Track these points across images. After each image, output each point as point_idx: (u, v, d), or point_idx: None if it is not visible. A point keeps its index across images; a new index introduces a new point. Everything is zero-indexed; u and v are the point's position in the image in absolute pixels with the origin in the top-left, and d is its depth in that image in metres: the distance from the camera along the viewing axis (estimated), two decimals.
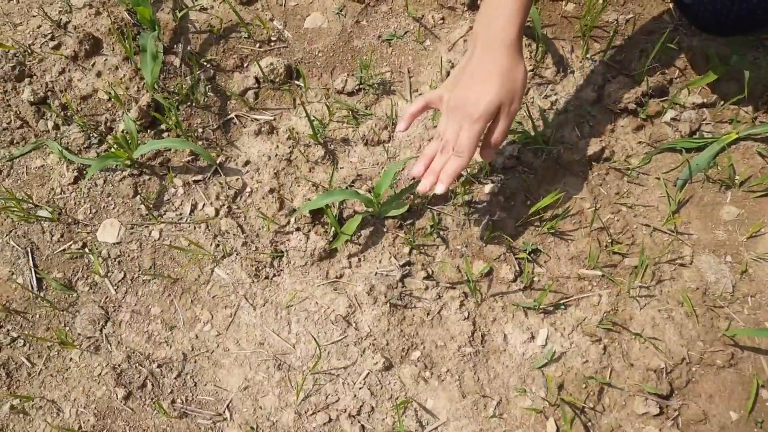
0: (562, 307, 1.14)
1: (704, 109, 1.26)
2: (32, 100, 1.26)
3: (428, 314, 1.14)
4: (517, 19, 0.97)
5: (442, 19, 1.36)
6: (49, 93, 1.28)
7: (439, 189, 0.99)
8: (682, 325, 1.11)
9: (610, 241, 1.18)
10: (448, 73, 1.30)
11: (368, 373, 1.10)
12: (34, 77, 1.29)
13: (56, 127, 1.26)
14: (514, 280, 1.16)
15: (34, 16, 1.34)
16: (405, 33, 1.35)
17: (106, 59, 1.31)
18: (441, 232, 1.19)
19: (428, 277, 1.16)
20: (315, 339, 1.09)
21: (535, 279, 1.16)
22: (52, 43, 1.31)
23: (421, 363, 1.11)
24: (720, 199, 1.21)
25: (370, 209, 1.18)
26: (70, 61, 1.30)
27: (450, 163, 0.99)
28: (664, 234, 1.18)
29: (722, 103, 1.25)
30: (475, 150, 0.99)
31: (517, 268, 1.16)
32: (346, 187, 1.23)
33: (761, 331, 1.06)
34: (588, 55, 1.31)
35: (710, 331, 1.10)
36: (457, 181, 1.23)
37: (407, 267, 1.17)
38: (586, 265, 1.16)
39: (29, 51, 1.30)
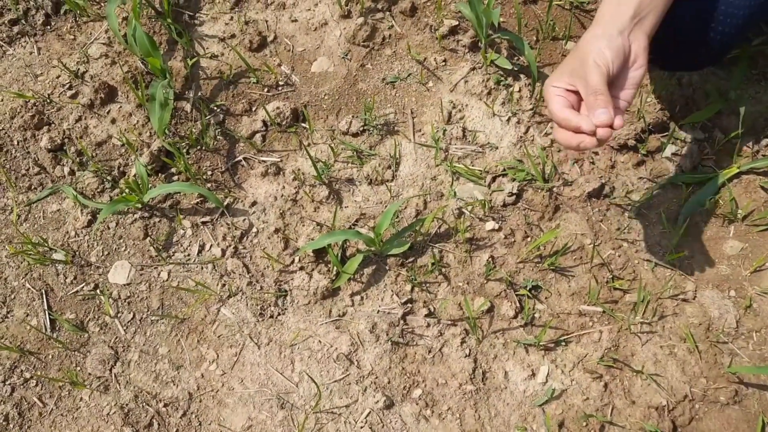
0: (563, 343, 1.14)
1: (705, 143, 1.27)
2: (50, 147, 1.31)
3: (430, 352, 1.15)
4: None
5: (444, 61, 1.39)
6: (66, 140, 1.33)
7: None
8: (685, 361, 1.10)
9: (611, 276, 1.18)
10: (449, 114, 1.33)
11: (369, 412, 1.11)
12: (52, 125, 1.35)
13: (72, 172, 1.31)
14: (515, 317, 1.16)
15: (53, 67, 1.41)
16: (408, 75, 1.39)
17: (120, 106, 1.36)
18: (443, 269, 1.21)
19: (430, 314, 1.17)
20: (314, 380, 1.10)
21: (536, 315, 1.17)
22: (69, 92, 1.37)
23: (422, 401, 1.11)
24: (723, 234, 1.21)
25: (372, 248, 1.20)
26: (86, 109, 1.36)
27: None
28: (667, 269, 1.18)
29: (723, 137, 1.26)
30: (551, 113, 0.92)
31: (518, 305, 1.17)
32: (350, 227, 1.25)
33: (765, 369, 1.05)
34: None
35: (714, 368, 1.10)
36: (458, 218, 1.25)
37: (409, 304, 1.18)
38: (586, 301, 1.17)
39: (48, 100, 1.37)
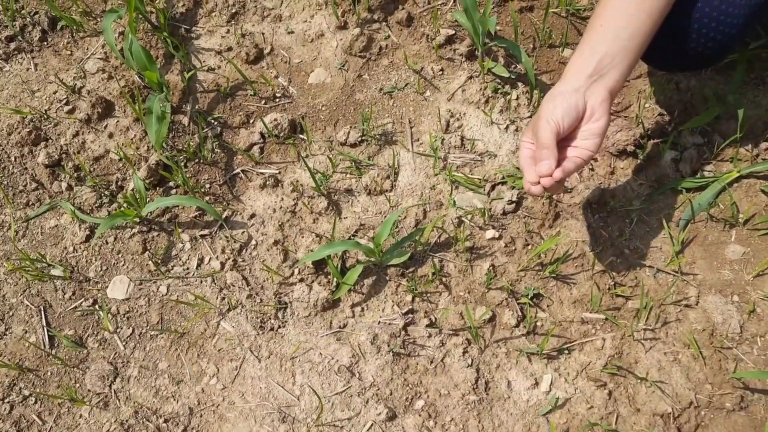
0: (566, 351, 1.13)
1: (704, 148, 1.26)
2: (47, 163, 1.31)
3: (432, 362, 1.14)
4: (578, 48, 1.01)
5: (441, 70, 1.39)
6: (63, 155, 1.33)
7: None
8: (689, 367, 1.09)
9: (612, 283, 1.17)
10: (447, 123, 1.33)
11: (372, 425, 1.10)
12: (50, 141, 1.35)
13: (70, 187, 1.31)
14: (517, 326, 1.15)
15: (50, 83, 1.41)
16: (406, 85, 1.39)
17: (117, 121, 1.36)
18: (443, 279, 1.20)
19: (431, 324, 1.16)
20: (316, 393, 1.09)
21: (538, 324, 1.16)
22: (66, 108, 1.37)
23: (425, 412, 1.10)
24: (724, 238, 1.20)
25: (372, 258, 1.19)
26: (83, 124, 1.36)
27: None
28: (669, 275, 1.18)
29: (722, 141, 1.25)
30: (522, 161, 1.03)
31: (520, 314, 1.16)
32: (350, 237, 1.25)
33: None
34: None
35: (718, 374, 1.08)
36: (458, 227, 1.24)
37: (410, 315, 1.17)
38: (589, 308, 1.16)
39: (45, 116, 1.37)
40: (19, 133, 1.33)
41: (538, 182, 0.98)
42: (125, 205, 1.26)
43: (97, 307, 1.22)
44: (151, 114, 1.25)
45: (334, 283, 1.20)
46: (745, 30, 1.06)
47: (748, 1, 1.02)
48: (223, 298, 1.21)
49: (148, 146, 1.33)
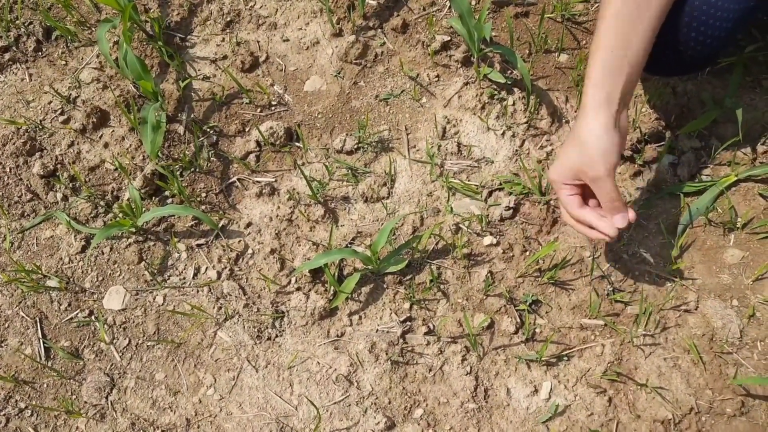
0: (565, 358, 1.12)
1: (702, 152, 1.26)
2: (42, 173, 1.31)
3: (430, 370, 1.13)
4: (592, 70, 0.98)
5: (437, 76, 1.39)
6: (58, 166, 1.33)
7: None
8: (689, 373, 1.09)
9: (611, 289, 1.17)
10: (444, 129, 1.33)
11: None
12: (45, 151, 1.34)
13: (65, 198, 1.30)
14: (516, 333, 1.15)
15: (45, 93, 1.41)
16: (402, 92, 1.38)
17: (113, 131, 1.35)
18: (441, 286, 1.19)
19: (429, 332, 1.16)
20: (313, 403, 1.08)
21: (537, 330, 1.15)
22: (61, 118, 1.37)
23: (423, 421, 1.09)
24: (723, 243, 1.19)
25: (369, 266, 1.18)
26: (78, 134, 1.35)
27: None
28: (668, 280, 1.17)
29: (720, 145, 1.25)
30: (569, 218, 1.05)
31: (518, 320, 1.16)
32: (347, 245, 1.24)
33: None
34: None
35: (719, 379, 1.08)
36: (455, 234, 1.24)
37: (408, 323, 1.17)
38: (587, 314, 1.15)
39: (40, 126, 1.36)
40: (14, 143, 1.33)
41: (612, 237, 1.00)
42: (121, 215, 1.25)
43: (93, 318, 1.22)
44: (146, 123, 1.24)
45: (332, 292, 1.19)
46: (734, 34, 1.06)
47: (737, 6, 1.02)
48: (220, 308, 1.21)
49: (143, 156, 1.33)
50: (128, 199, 1.28)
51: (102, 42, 1.30)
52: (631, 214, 0.99)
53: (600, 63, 0.97)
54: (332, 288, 1.19)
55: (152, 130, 1.24)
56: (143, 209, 1.25)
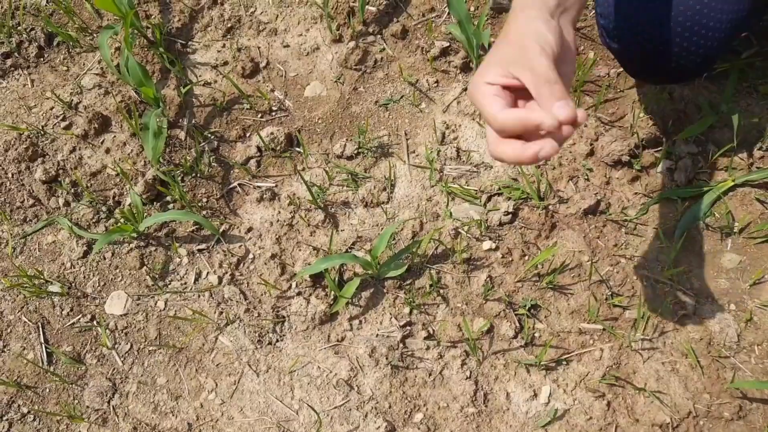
0: (564, 362, 1.13)
1: (699, 157, 1.27)
2: (44, 179, 1.31)
3: (430, 375, 1.14)
4: None
5: (436, 82, 1.40)
6: (60, 171, 1.33)
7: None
8: (687, 377, 1.10)
9: (610, 293, 1.18)
10: (443, 134, 1.34)
11: None
12: (47, 156, 1.35)
13: (67, 203, 1.31)
14: (515, 337, 1.16)
15: (47, 98, 1.41)
16: (401, 97, 1.39)
17: (114, 136, 1.36)
18: (441, 291, 1.20)
19: (429, 336, 1.16)
20: (313, 408, 1.09)
21: (536, 335, 1.16)
22: (63, 124, 1.38)
23: (423, 426, 1.10)
24: (720, 247, 1.20)
25: (369, 271, 1.19)
26: (80, 140, 1.36)
27: None
28: (665, 284, 1.18)
29: (716, 150, 1.26)
30: (492, 137, 0.73)
31: (518, 325, 1.16)
32: (347, 250, 1.25)
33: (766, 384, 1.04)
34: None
35: (716, 383, 1.09)
36: (455, 238, 1.24)
37: (408, 327, 1.17)
38: (586, 318, 1.16)
39: (42, 132, 1.37)
40: (16, 149, 1.34)
41: (555, 129, 0.67)
42: (122, 220, 1.26)
43: (95, 323, 1.22)
44: (148, 129, 1.25)
45: (332, 297, 1.20)
46: (728, 43, 1.07)
47: (729, 15, 1.03)
48: (221, 313, 1.21)
49: (145, 161, 1.33)
50: (130, 205, 1.28)
51: (104, 48, 1.31)
52: (580, 112, 0.68)
53: None
54: (333, 293, 1.20)
55: (154, 136, 1.25)
56: (145, 214, 1.25)
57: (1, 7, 1.51)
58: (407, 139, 1.36)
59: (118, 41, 1.44)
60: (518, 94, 0.74)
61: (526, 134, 0.69)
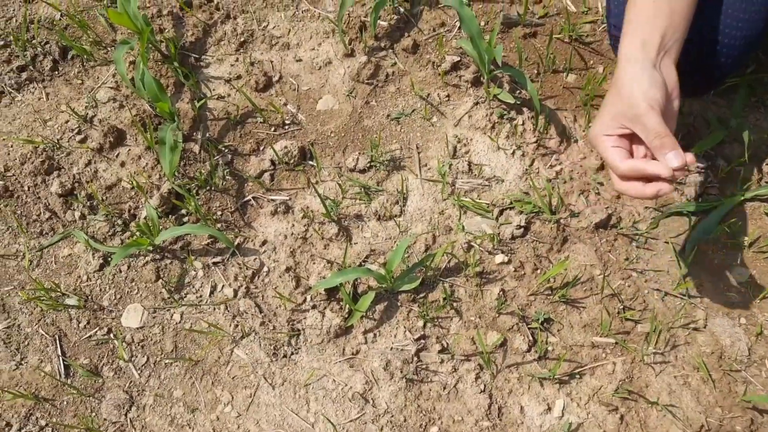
0: (577, 376, 1.14)
1: (708, 172, 1.28)
2: (60, 192, 1.33)
3: (445, 388, 1.15)
4: (627, 30, 0.93)
5: (448, 96, 1.41)
6: (76, 184, 1.35)
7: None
8: (699, 391, 1.11)
9: (621, 307, 1.19)
10: (454, 148, 1.35)
11: None
12: (62, 170, 1.36)
13: (83, 216, 1.32)
14: (528, 350, 1.17)
15: (62, 112, 1.43)
16: (412, 111, 1.41)
17: (129, 150, 1.38)
18: (454, 304, 1.21)
19: (443, 350, 1.18)
20: (330, 421, 1.10)
21: (549, 348, 1.17)
22: (78, 137, 1.39)
23: None
24: (730, 261, 1.22)
25: (383, 285, 1.21)
26: (95, 153, 1.37)
27: None
28: (676, 298, 1.19)
29: (726, 165, 1.27)
30: (615, 179, 0.93)
31: (531, 338, 1.18)
32: (361, 263, 1.26)
33: None
34: (590, 125, 1.34)
35: (728, 397, 1.10)
36: (467, 252, 1.26)
37: (422, 341, 1.19)
38: (599, 332, 1.17)
39: (58, 145, 1.38)
40: (32, 162, 1.35)
41: (670, 179, 0.85)
42: (138, 233, 1.27)
43: (111, 335, 1.23)
44: (164, 144, 1.26)
45: (347, 310, 1.21)
46: (742, 60, 1.09)
47: (743, 33, 1.04)
48: (237, 326, 1.23)
49: (159, 174, 1.35)
50: (145, 218, 1.30)
51: (119, 64, 1.33)
52: (689, 156, 0.86)
53: (634, 11, 0.93)
54: (347, 306, 1.21)
55: (170, 150, 1.26)
56: (160, 228, 1.27)
57: (16, 21, 1.52)
58: (419, 153, 1.37)
59: (132, 55, 1.45)
60: (633, 139, 0.91)
61: (651, 178, 0.87)
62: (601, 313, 1.18)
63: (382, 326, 1.21)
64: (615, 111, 0.91)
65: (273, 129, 1.41)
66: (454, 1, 1.34)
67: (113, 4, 1.53)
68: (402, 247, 1.17)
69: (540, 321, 1.18)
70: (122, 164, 1.37)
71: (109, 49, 1.49)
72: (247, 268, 1.28)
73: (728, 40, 1.06)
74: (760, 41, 1.09)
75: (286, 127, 1.41)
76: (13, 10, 1.54)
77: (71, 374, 1.21)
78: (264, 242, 1.30)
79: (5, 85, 1.45)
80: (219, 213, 1.33)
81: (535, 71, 1.41)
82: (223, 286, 1.26)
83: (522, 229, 1.26)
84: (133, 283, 1.27)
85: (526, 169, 1.32)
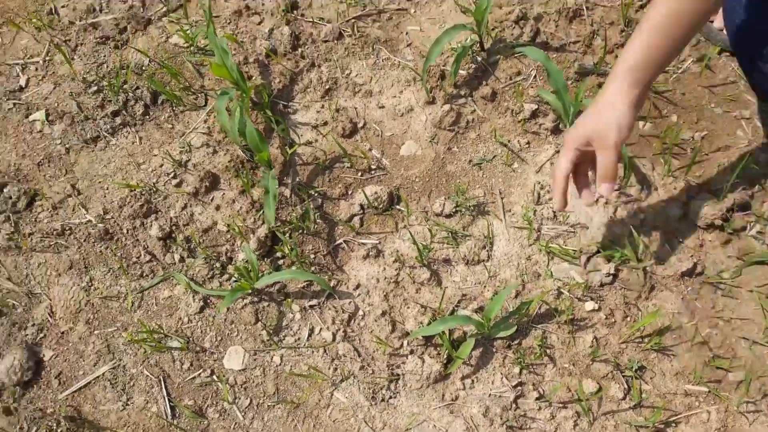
0: (673, 424, 1.18)
1: None
2: (160, 235, 1.37)
3: None
4: (629, 55, 1.08)
5: (528, 143, 1.46)
6: (173, 227, 1.39)
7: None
8: None
9: (711, 356, 1.23)
10: (538, 195, 1.40)
11: None
12: (160, 213, 1.41)
13: (182, 259, 1.37)
14: (624, 398, 1.20)
15: (155, 156, 1.48)
16: (494, 157, 1.45)
17: (223, 193, 1.43)
18: (548, 351, 1.25)
19: (540, 397, 1.21)
20: None
21: (643, 396, 1.21)
22: (174, 181, 1.44)
23: None
24: None
25: (481, 332, 1.24)
26: (191, 197, 1.42)
27: None
28: (764, 347, 1.23)
29: None
30: (560, 175, 1.13)
31: (625, 386, 1.21)
32: (453, 308, 1.30)
33: None
34: (669, 172, 1.39)
35: None
36: (557, 298, 1.30)
37: (519, 387, 1.22)
38: (691, 380, 1.21)
39: (154, 189, 1.43)
40: (131, 206, 1.40)
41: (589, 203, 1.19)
42: (237, 276, 1.32)
43: (214, 377, 1.27)
44: (268, 193, 1.31)
45: (445, 356, 1.25)
46: None
47: None
48: (336, 369, 1.27)
49: (254, 218, 1.39)
50: (243, 260, 1.34)
51: (222, 114, 1.38)
52: (614, 193, 1.16)
53: (641, 51, 1.07)
54: (446, 351, 1.25)
55: (273, 199, 1.31)
56: (258, 271, 1.31)
57: (107, 67, 1.58)
58: (502, 198, 1.42)
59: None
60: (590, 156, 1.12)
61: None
62: (693, 361, 1.22)
63: (479, 372, 1.24)
64: (590, 131, 1.10)
65: (360, 174, 1.46)
66: (540, 56, 1.39)
67: (200, 51, 1.59)
68: (502, 296, 1.21)
69: (634, 369, 1.22)
70: (217, 208, 1.42)
71: (197, 95, 1.55)
72: (343, 312, 1.32)
73: None
74: None
75: (372, 172, 1.46)
76: (104, 56, 1.60)
77: (177, 415, 1.25)
78: (357, 285, 1.35)
79: (101, 129, 1.51)
80: (312, 256, 1.38)
81: None
82: (320, 329, 1.30)
83: (611, 277, 1.30)
84: (233, 326, 1.32)
85: (611, 217, 1.36)
